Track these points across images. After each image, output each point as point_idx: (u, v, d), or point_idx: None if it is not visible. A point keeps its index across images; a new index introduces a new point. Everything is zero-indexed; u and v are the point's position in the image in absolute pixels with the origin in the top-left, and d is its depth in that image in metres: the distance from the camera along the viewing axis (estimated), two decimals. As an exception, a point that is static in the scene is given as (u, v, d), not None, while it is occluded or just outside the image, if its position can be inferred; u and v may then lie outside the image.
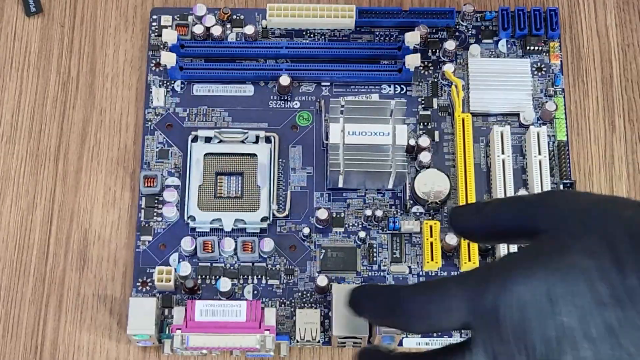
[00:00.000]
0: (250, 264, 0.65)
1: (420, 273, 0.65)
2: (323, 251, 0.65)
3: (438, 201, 0.65)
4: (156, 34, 0.70)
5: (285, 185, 0.66)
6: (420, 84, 0.69)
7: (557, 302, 0.48)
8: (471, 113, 0.67)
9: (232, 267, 0.65)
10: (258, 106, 0.69)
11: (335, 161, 0.64)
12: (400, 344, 0.63)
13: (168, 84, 0.69)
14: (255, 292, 0.64)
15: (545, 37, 0.70)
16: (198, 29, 0.69)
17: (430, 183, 0.65)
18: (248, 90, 0.69)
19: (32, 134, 0.68)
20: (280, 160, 0.67)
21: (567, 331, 0.47)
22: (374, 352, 0.54)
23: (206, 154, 0.66)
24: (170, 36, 0.68)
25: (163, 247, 0.65)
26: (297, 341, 0.62)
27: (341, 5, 0.70)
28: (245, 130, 0.67)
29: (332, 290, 0.61)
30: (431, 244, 0.64)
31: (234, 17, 0.71)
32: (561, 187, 0.67)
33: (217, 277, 0.64)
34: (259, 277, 0.64)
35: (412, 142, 0.66)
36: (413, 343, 0.63)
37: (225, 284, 0.63)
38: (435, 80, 0.69)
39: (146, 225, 0.65)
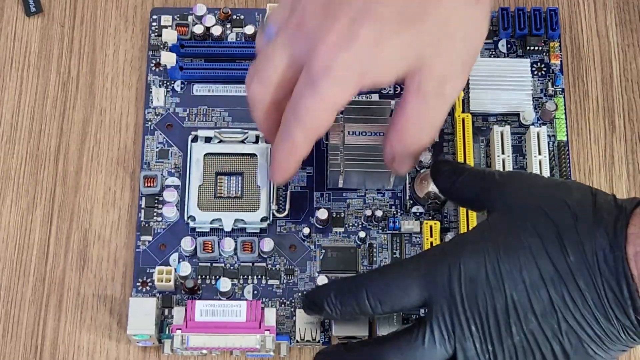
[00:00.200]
0: (250, 264, 0.65)
1: (420, 273, 0.65)
2: (323, 251, 0.65)
3: (438, 201, 0.65)
4: (156, 34, 0.70)
5: (285, 185, 0.66)
6: (420, 84, 0.69)
7: (505, 277, 0.51)
8: (471, 113, 0.67)
9: (232, 267, 0.65)
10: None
11: (335, 161, 0.64)
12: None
13: (168, 84, 0.69)
14: (255, 292, 0.64)
15: (545, 37, 0.70)
16: (198, 29, 0.69)
17: (431, 183, 0.65)
18: (248, 90, 0.69)
19: (32, 134, 0.68)
20: (280, 160, 0.67)
21: (515, 304, 0.50)
22: (328, 353, 0.56)
23: (206, 154, 0.66)
24: (170, 36, 0.68)
25: (163, 247, 0.65)
26: (297, 341, 0.62)
27: (341, 5, 0.70)
28: (245, 130, 0.67)
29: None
30: (431, 243, 0.64)
31: (234, 17, 0.71)
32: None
33: (217, 277, 0.64)
34: (259, 277, 0.64)
35: (412, 142, 0.66)
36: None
37: (225, 284, 0.63)
38: (435, 80, 0.69)
39: (146, 225, 0.65)
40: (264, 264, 0.65)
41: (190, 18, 0.70)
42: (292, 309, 0.64)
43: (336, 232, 0.66)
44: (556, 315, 0.50)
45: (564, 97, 0.69)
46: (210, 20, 0.69)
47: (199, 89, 0.69)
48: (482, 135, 0.68)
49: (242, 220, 0.65)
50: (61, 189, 0.67)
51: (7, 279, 0.65)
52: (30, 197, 0.67)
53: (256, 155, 0.66)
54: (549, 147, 0.67)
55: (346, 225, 0.66)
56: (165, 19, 0.71)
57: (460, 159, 0.66)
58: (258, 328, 0.60)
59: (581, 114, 0.69)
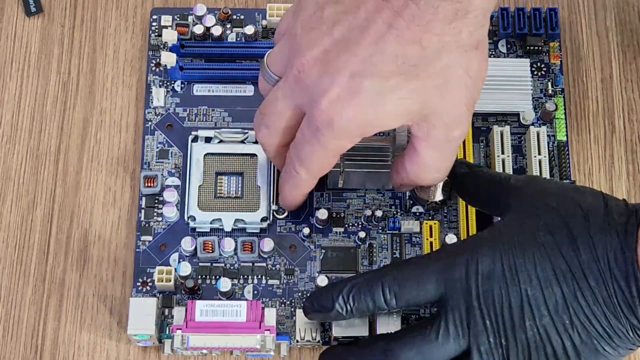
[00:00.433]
0: (250, 264, 0.65)
1: (420, 273, 0.65)
2: (323, 251, 0.65)
3: (438, 201, 0.65)
4: (156, 34, 0.70)
5: (285, 185, 0.66)
6: (420, 84, 0.69)
7: (520, 273, 0.52)
8: (471, 113, 0.67)
9: (232, 267, 0.65)
10: (258, 106, 0.69)
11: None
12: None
13: (168, 84, 0.69)
14: (256, 292, 0.64)
15: (545, 37, 0.70)
16: (198, 29, 0.69)
17: (437, 187, 0.65)
18: (248, 90, 0.69)
19: (32, 134, 0.68)
20: (280, 160, 0.67)
21: (530, 299, 0.52)
22: (334, 352, 0.57)
23: (206, 154, 0.66)
24: (170, 36, 0.68)
25: (163, 247, 0.65)
26: (297, 341, 0.62)
27: (341, 5, 0.70)
28: (246, 130, 0.67)
29: (332, 290, 0.61)
30: (431, 243, 0.64)
31: (234, 17, 0.71)
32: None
33: (217, 277, 0.64)
34: (259, 277, 0.64)
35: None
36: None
37: (225, 284, 0.63)
38: (435, 80, 0.69)
39: (146, 225, 0.66)
40: (264, 264, 0.65)
41: (190, 18, 0.70)
42: (292, 309, 0.64)
43: (336, 232, 0.66)
44: (568, 311, 0.51)
45: (564, 97, 0.69)
46: (210, 20, 0.69)
47: (199, 89, 0.69)
48: (482, 136, 0.68)
49: (242, 220, 0.65)
50: (61, 189, 0.67)
51: (8, 279, 0.65)
52: (30, 197, 0.67)
53: (256, 155, 0.66)
54: (548, 147, 0.67)
55: (346, 225, 0.66)
56: (166, 19, 0.71)
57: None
58: (258, 328, 0.60)
59: (581, 114, 0.70)
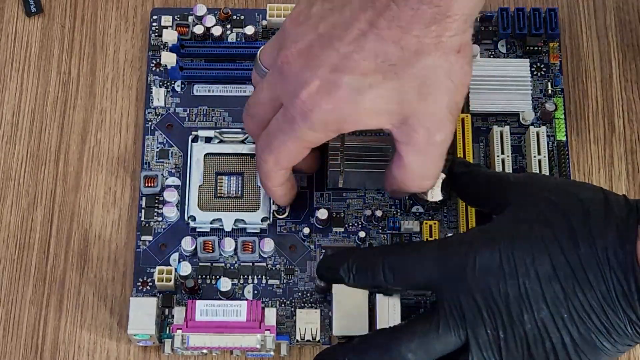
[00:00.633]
0: (251, 264, 0.65)
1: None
2: (323, 251, 0.65)
3: (438, 201, 0.65)
4: (156, 34, 0.70)
5: (285, 185, 0.66)
6: (420, 84, 0.69)
7: (519, 266, 0.53)
8: (471, 113, 0.67)
9: (232, 267, 0.65)
10: (258, 106, 0.69)
11: (335, 161, 0.64)
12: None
13: (168, 84, 0.69)
14: (256, 292, 0.64)
15: (545, 37, 0.70)
16: (198, 29, 0.69)
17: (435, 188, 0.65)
18: (248, 90, 0.69)
19: (33, 134, 0.68)
20: (281, 160, 0.67)
21: (528, 292, 0.52)
22: (330, 352, 0.57)
23: (206, 154, 0.67)
24: (170, 36, 0.68)
25: (163, 247, 0.65)
26: (297, 341, 0.62)
27: (341, 5, 0.70)
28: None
29: (332, 290, 0.61)
30: (431, 243, 0.64)
31: (234, 17, 0.71)
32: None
33: (218, 277, 0.64)
34: (259, 277, 0.65)
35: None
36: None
37: (225, 284, 0.63)
38: (435, 80, 0.69)
39: (146, 225, 0.66)
40: (264, 264, 0.65)
41: (190, 18, 0.70)
42: (292, 309, 0.64)
43: (336, 232, 0.66)
44: (566, 305, 0.51)
45: (564, 97, 0.69)
46: (210, 20, 0.69)
47: (199, 89, 0.69)
48: (482, 136, 0.68)
49: (243, 220, 0.65)
50: (61, 188, 0.67)
51: (8, 278, 0.65)
52: (30, 197, 0.67)
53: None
54: (548, 147, 0.67)
55: (346, 225, 0.66)
56: (166, 19, 0.71)
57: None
58: (258, 328, 0.60)
59: (580, 114, 0.70)
